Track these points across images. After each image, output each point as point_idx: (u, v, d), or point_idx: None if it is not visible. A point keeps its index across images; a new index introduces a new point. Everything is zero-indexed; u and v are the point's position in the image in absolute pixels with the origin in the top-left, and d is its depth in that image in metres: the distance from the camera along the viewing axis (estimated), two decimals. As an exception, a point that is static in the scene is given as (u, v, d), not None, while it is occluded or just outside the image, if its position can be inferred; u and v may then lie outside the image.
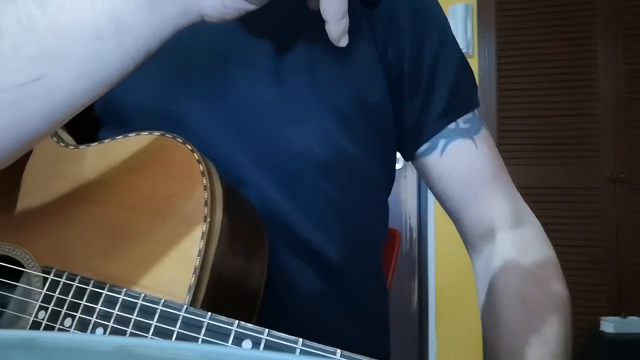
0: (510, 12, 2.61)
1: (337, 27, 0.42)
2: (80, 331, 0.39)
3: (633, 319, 2.18)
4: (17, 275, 0.47)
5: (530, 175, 2.54)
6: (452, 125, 0.60)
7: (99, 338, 0.28)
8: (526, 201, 0.65)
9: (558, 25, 2.54)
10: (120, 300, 0.39)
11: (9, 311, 0.45)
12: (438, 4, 0.62)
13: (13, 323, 0.43)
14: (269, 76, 0.53)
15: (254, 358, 0.20)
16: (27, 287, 0.44)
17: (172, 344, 0.30)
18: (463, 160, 0.60)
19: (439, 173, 0.62)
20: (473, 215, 0.62)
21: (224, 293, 0.42)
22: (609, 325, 2.19)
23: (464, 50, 2.54)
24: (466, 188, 0.61)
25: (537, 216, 0.63)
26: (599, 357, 2.16)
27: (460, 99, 0.60)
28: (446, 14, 0.61)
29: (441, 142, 0.60)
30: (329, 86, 0.54)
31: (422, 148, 0.61)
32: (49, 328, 0.40)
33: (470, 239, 0.63)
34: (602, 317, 2.26)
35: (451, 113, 0.60)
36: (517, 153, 2.56)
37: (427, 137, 0.60)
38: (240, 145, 0.52)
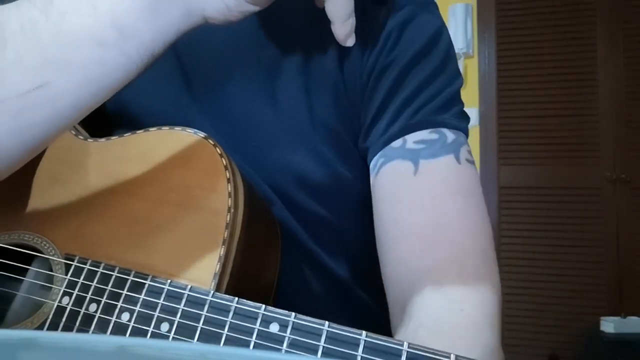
0: (510, 12, 2.61)
1: (343, 27, 0.42)
2: (107, 316, 0.39)
3: (633, 319, 2.18)
4: (37, 263, 0.47)
5: (530, 175, 2.54)
6: (397, 143, 0.50)
7: (99, 338, 0.28)
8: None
9: (558, 25, 2.55)
10: (146, 285, 0.39)
11: (31, 296, 0.45)
12: (436, 19, 0.55)
13: (35, 308, 0.43)
14: (266, 95, 0.53)
15: (254, 358, 0.20)
16: (48, 273, 0.44)
17: (173, 344, 0.30)
18: (391, 186, 0.49)
19: (373, 197, 0.51)
20: (389, 274, 0.48)
21: (243, 282, 0.42)
22: (609, 325, 2.19)
23: (463, 51, 2.56)
24: (386, 226, 0.49)
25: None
26: (599, 357, 2.17)
27: (414, 115, 0.50)
28: (446, 14, 0.56)
29: (379, 161, 0.50)
30: (323, 109, 0.53)
31: (370, 169, 0.52)
32: (73, 313, 0.40)
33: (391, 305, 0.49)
34: (602, 317, 2.26)
35: (393, 129, 0.50)
36: (517, 153, 2.56)
37: (370, 156, 0.52)
38: (243, 161, 0.52)
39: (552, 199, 2.49)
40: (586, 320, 2.35)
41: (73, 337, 0.26)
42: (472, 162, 0.50)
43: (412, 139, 0.49)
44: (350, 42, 0.43)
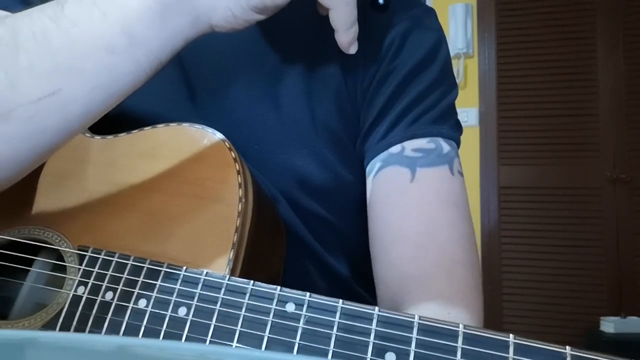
0: (510, 12, 2.62)
1: (346, 35, 0.43)
2: (123, 303, 0.39)
3: (633, 319, 2.18)
4: (49, 257, 0.47)
5: (530, 175, 2.54)
6: (396, 149, 0.52)
7: (99, 338, 0.28)
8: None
9: (558, 25, 2.55)
10: (162, 272, 0.40)
11: (46, 287, 0.45)
12: (436, 29, 0.56)
13: (50, 298, 0.43)
14: (268, 99, 0.54)
15: (254, 358, 0.20)
16: (62, 264, 0.44)
17: (173, 344, 0.30)
18: (387, 191, 0.51)
19: (368, 200, 0.53)
20: (381, 275, 0.51)
21: (254, 270, 0.43)
22: (609, 325, 2.19)
23: (463, 51, 2.57)
24: (380, 229, 0.51)
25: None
26: (599, 357, 2.16)
27: (413, 123, 0.52)
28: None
29: (377, 165, 0.52)
30: (325, 113, 0.54)
31: (367, 172, 0.54)
32: (90, 301, 0.40)
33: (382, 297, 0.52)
34: (602, 317, 2.26)
35: (392, 135, 0.52)
36: (517, 153, 2.57)
37: (368, 159, 0.54)
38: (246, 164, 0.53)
39: (552, 199, 2.49)
40: (586, 320, 2.35)
41: (73, 336, 0.26)
42: (462, 175, 0.53)
43: (410, 147, 0.51)
44: (353, 49, 0.44)
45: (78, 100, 0.37)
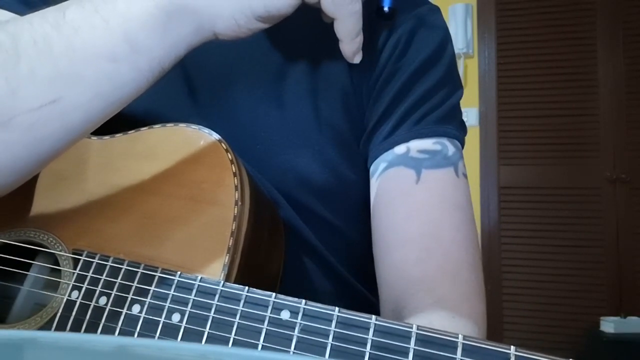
0: (510, 12, 2.62)
1: (351, 45, 0.43)
2: (117, 308, 0.39)
3: (633, 319, 2.18)
4: (42, 260, 0.47)
5: (530, 175, 2.54)
6: (401, 150, 0.51)
7: (99, 338, 0.28)
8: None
9: (558, 25, 2.55)
10: (156, 277, 0.39)
11: (40, 291, 0.45)
12: (442, 28, 0.56)
13: (44, 303, 0.43)
14: (272, 99, 0.53)
15: (254, 358, 0.20)
16: (56, 268, 0.44)
17: (172, 344, 0.30)
18: (392, 192, 0.51)
19: (372, 200, 0.52)
20: (384, 277, 0.50)
21: (250, 274, 0.43)
22: (609, 325, 2.19)
23: (463, 51, 2.57)
24: (384, 231, 0.50)
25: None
26: (599, 357, 2.17)
27: (418, 122, 0.52)
28: (446, 14, 0.57)
29: (381, 166, 0.52)
30: (330, 111, 0.53)
31: (370, 172, 0.54)
32: (83, 306, 0.40)
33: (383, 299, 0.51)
34: (602, 317, 2.26)
35: (397, 134, 0.52)
36: (517, 153, 2.57)
37: (372, 158, 0.53)
38: (248, 164, 0.52)
39: (552, 199, 2.49)
40: (586, 320, 2.35)
41: (72, 336, 0.26)
42: (466, 177, 0.52)
43: (415, 148, 0.51)
44: (357, 59, 0.44)
45: (79, 108, 0.37)
